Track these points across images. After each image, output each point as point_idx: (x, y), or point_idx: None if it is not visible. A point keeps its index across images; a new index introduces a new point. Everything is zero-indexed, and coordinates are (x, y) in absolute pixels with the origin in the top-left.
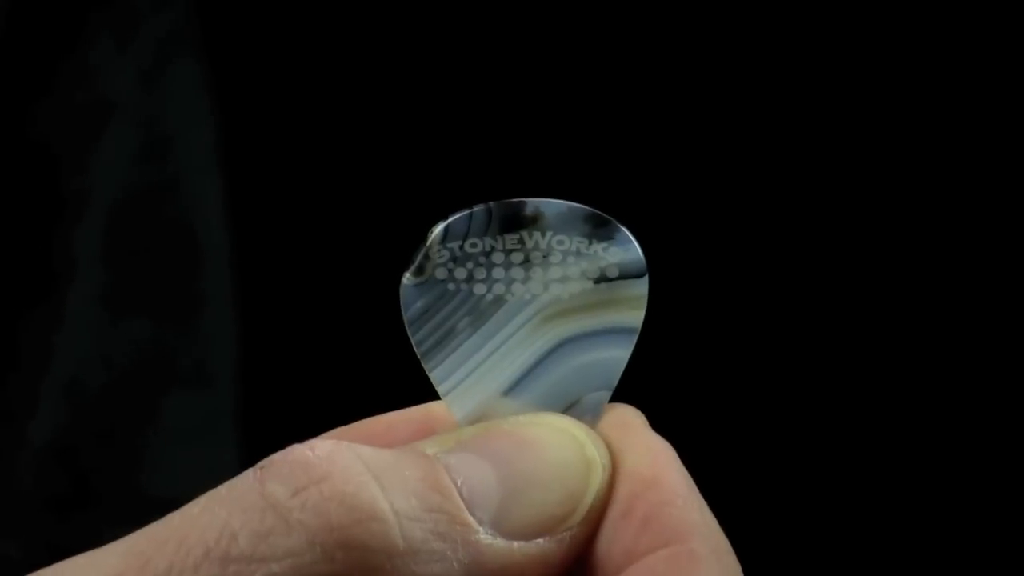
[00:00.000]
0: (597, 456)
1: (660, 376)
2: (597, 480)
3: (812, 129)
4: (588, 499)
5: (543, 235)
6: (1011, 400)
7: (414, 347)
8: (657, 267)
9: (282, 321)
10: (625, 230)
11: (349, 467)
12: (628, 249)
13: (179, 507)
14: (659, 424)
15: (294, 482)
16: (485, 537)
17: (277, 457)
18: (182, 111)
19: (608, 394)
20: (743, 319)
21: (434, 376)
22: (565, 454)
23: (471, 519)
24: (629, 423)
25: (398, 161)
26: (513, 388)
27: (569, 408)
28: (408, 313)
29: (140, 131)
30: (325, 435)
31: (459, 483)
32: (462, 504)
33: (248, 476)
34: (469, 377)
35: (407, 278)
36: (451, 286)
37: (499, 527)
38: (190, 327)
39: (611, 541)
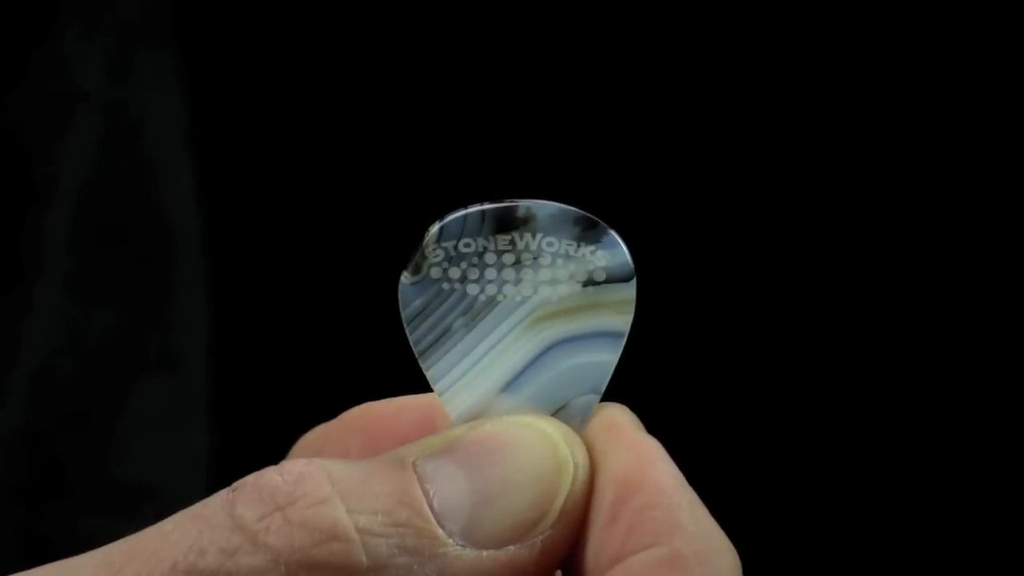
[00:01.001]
0: (570, 457)
1: (655, 378)
2: (568, 481)
3: (803, 131)
4: (559, 502)
5: (533, 237)
6: (1011, 400)
7: (411, 345)
8: (650, 270)
9: (254, 307)
10: (613, 233)
11: (316, 489)
12: (615, 253)
13: (150, 494)
14: (654, 426)
15: (261, 507)
16: (454, 549)
17: (249, 480)
18: (152, 98)
19: (596, 398)
20: (738, 321)
21: (430, 375)
22: (536, 458)
23: (439, 531)
24: (617, 423)
25: (372, 146)
26: (505, 389)
27: (558, 411)
28: (406, 312)
29: (110, 118)
30: (345, 414)
31: (431, 493)
32: (431, 516)
33: (220, 497)
34: (464, 377)
35: (404, 277)
36: (446, 285)
37: (469, 536)
38: (161, 314)
39: (598, 547)
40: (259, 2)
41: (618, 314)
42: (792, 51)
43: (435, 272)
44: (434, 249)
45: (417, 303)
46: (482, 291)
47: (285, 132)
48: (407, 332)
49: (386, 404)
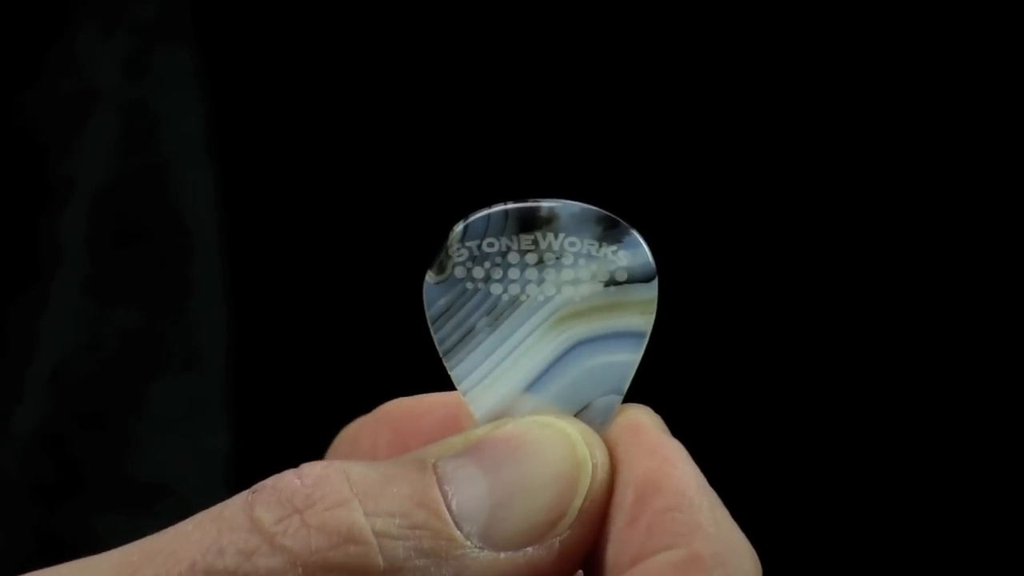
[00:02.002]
0: (589, 457)
1: (679, 379)
2: (587, 482)
3: (824, 136)
4: (576, 503)
5: (556, 237)
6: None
7: (436, 344)
8: (674, 269)
9: (272, 307)
10: (635, 233)
11: (334, 492)
12: (637, 253)
13: (168, 493)
14: (678, 427)
15: (279, 510)
16: (471, 551)
17: (268, 483)
18: (170, 97)
19: (618, 398)
20: (762, 322)
21: (454, 374)
22: (556, 458)
23: (457, 533)
24: (639, 424)
25: (392, 144)
26: (528, 389)
27: (581, 411)
28: (430, 311)
29: (127, 117)
30: (379, 408)
31: (450, 494)
32: (449, 519)
33: (240, 498)
34: (487, 376)
35: (429, 276)
36: (469, 285)
37: (487, 538)
38: (178, 313)
39: (618, 548)
40: (278, 1)
41: (640, 314)
42: (819, 58)
43: (459, 272)
44: (458, 248)
45: (441, 302)
46: (505, 291)
47: (304, 131)
48: (432, 331)
49: (417, 400)
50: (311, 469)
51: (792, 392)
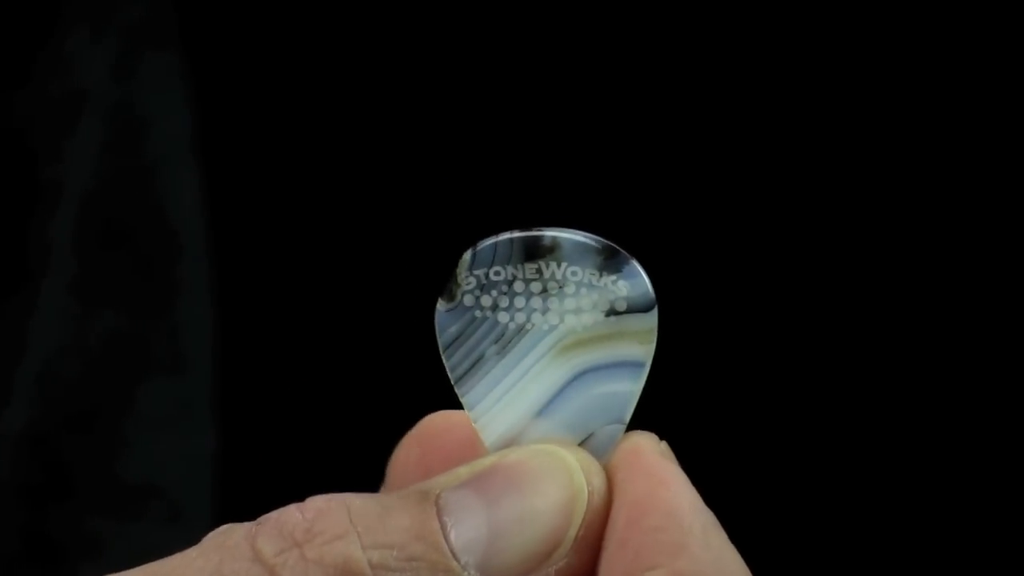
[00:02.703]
0: (585, 485)
1: (686, 405)
2: (582, 510)
3: (824, 168)
4: (572, 532)
5: (559, 266)
6: (1011, 400)
7: (448, 372)
8: (677, 298)
9: (259, 309)
10: (634, 263)
11: (333, 525)
12: (636, 283)
13: (155, 495)
14: (684, 451)
15: (280, 542)
16: None
17: (273, 515)
18: (157, 99)
19: (621, 427)
20: (767, 348)
21: (466, 401)
22: (553, 488)
23: (454, 564)
24: (638, 449)
25: (377, 149)
26: (535, 417)
27: (586, 440)
28: (442, 338)
29: (115, 119)
30: (417, 424)
31: (449, 526)
32: (447, 550)
33: (244, 528)
34: (497, 404)
35: (440, 304)
36: (478, 313)
37: (484, 570)
38: (165, 315)
39: (608, 570)
40: (266, 4)
41: (639, 344)
42: (821, 81)
43: (468, 300)
44: (467, 277)
45: (452, 330)
46: (512, 319)
47: (290, 133)
48: (443, 359)
49: (446, 416)
50: (314, 503)
51: (798, 417)
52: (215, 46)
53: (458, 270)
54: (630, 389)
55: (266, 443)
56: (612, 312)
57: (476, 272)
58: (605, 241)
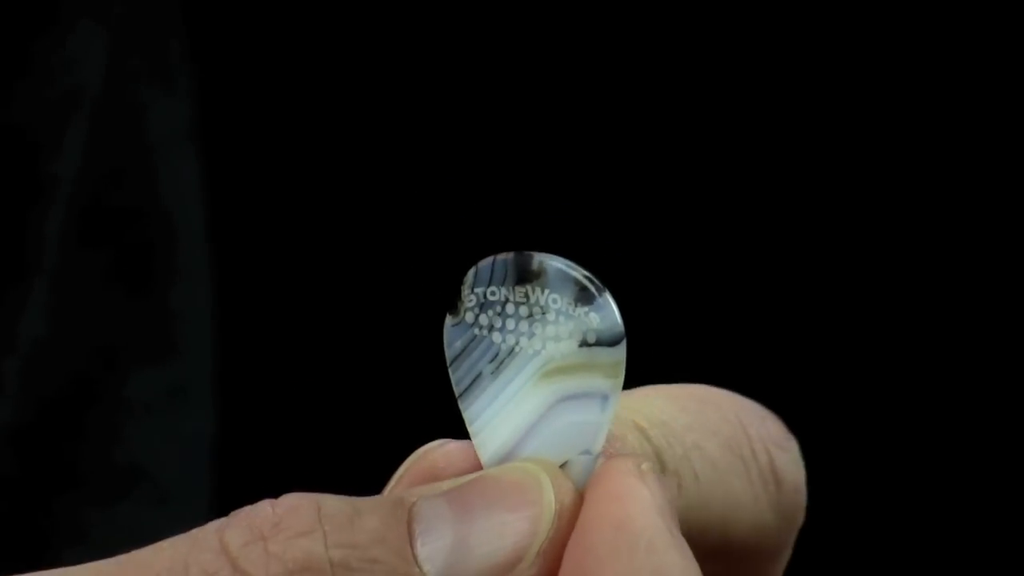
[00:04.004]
0: (552, 502)
1: None
2: (547, 527)
3: (808, 197)
4: (535, 547)
5: (543, 292)
6: (1011, 400)
7: (453, 385)
8: (648, 332)
9: (256, 295)
10: (607, 295)
11: (301, 522)
12: (605, 315)
13: (152, 484)
14: None
15: (247, 535)
16: None
17: (245, 510)
18: (156, 88)
19: (590, 458)
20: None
21: (466, 416)
22: (521, 502)
23: (415, 571)
24: (609, 470)
25: (377, 138)
26: (523, 438)
27: (563, 466)
28: (449, 352)
29: (112, 108)
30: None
31: (416, 532)
32: (410, 556)
33: (218, 522)
34: (491, 422)
35: (448, 318)
36: (477, 331)
37: None
38: (162, 303)
39: None
40: None
41: (605, 377)
42: (805, 108)
43: (469, 317)
44: (468, 294)
45: (457, 344)
46: (504, 340)
47: (290, 121)
48: (450, 372)
49: (443, 455)
50: (287, 499)
51: None
52: (215, 34)
53: (463, 286)
54: (596, 420)
55: (263, 431)
56: (584, 343)
57: (476, 290)
58: (582, 271)
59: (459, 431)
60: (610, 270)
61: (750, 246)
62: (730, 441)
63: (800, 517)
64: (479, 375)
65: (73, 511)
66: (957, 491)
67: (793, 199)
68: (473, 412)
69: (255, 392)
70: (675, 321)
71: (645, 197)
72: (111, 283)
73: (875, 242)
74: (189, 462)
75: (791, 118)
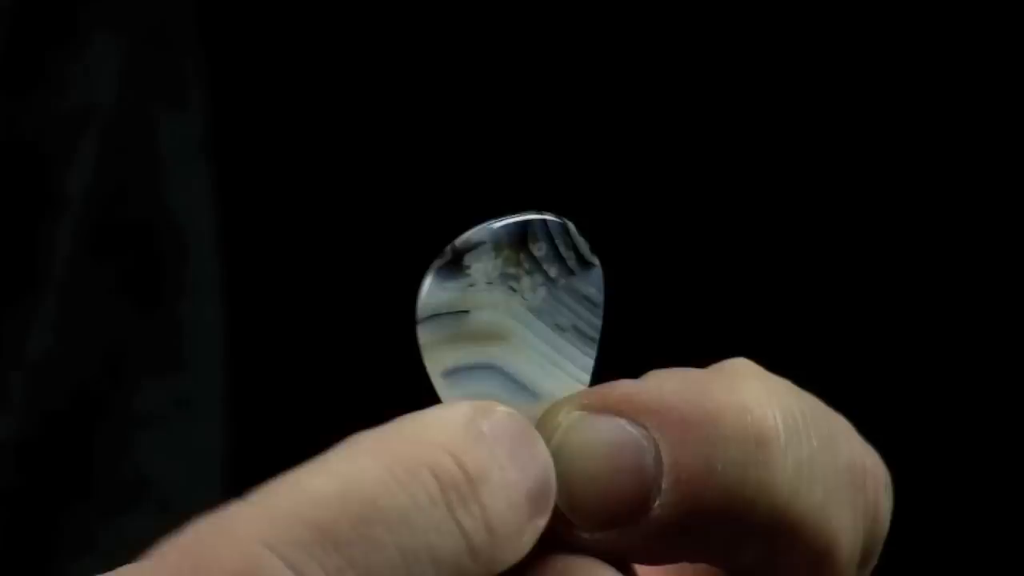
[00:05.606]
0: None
1: None
2: None
3: (806, 187)
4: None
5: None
6: (1011, 400)
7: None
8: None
9: (267, 308)
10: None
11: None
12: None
13: (162, 497)
14: None
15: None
16: None
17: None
18: (166, 100)
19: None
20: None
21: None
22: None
23: None
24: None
25: (386, 147)
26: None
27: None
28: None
29: (123, 121)
30: None
31: None
32: None
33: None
34: None
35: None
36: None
37: None
38: (170, 316)
39: None
40: (279, 6)
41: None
42: (800, 101)
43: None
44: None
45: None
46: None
47: (300, 132)
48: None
49: None
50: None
51: None
52: (227, 47)
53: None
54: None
55: (274, 443)
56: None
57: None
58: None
59: None
60: (610, 271)
61: (750, 246)
62: (850, 466)
63: (874, 560)
64: None
65: (80, 523)
66: (957, 491)
67: (793, 199)
68: None
69: (265, 404)
70: (675, 321)
71: (645, 197)
72: (119, 296)
73: (875, 242)
74: (196, 474)
75: (791, 114)
